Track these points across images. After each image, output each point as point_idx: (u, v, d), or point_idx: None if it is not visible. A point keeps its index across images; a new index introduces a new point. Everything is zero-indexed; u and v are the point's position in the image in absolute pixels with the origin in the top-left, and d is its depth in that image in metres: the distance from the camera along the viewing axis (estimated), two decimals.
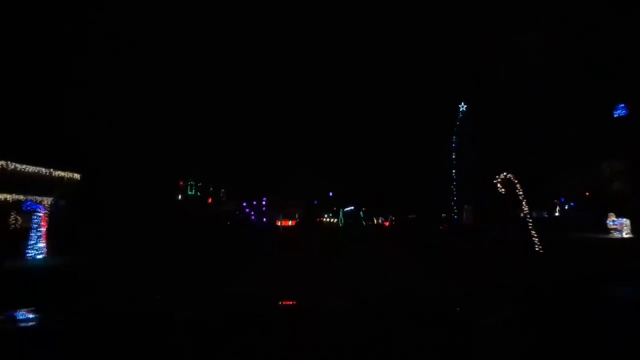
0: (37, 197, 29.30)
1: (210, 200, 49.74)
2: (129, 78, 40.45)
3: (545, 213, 47.84)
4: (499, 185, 17.84)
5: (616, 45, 38.09)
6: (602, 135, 37.95)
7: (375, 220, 72.16)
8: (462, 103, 54.60)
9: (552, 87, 41.29)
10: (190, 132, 47.53)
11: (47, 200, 29.25)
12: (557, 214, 47.15)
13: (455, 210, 53.73)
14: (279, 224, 56.67)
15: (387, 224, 69.13)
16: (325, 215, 67.95)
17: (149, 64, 48.35)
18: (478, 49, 53.77)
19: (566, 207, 39.12)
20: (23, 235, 16.91)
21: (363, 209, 68.65)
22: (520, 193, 17.55)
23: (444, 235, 35.15)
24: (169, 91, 48.21)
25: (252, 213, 52.02)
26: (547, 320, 2.39)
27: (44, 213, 17.04)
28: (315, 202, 64.28)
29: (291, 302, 3.39)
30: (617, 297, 3.04)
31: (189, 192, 46.22)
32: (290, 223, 59.06)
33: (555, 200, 41.13)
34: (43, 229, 16.44)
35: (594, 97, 38.77)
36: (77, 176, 36.47)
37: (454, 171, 55.01)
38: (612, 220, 25.13)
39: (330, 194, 65.75)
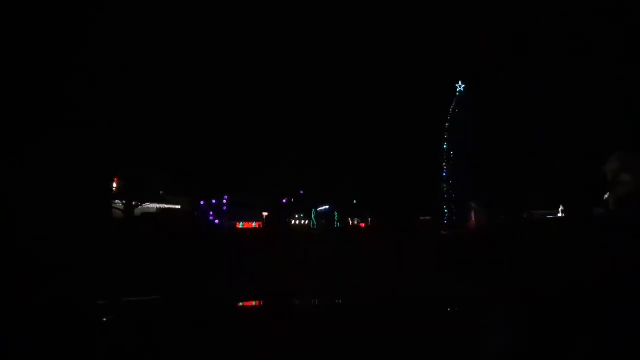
0: None
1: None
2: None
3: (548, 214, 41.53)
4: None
5: None
6: None
7: (350, 221, 67.57)
8: (460, 82, 46.34)
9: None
10: (136, 115, 38.73)
11: None
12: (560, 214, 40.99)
13: (455, 211, 46.22)
14: (240, 225, 52.55)
15: (362, 225, 65.93)
16: (296, 216, 61.93)
17: (77, 25, 38.35)
18: (467, 35, 46.06)
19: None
20: None
21: (338, 209, 63.66)
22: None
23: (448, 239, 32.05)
24: (102, 58, 38.33)
25: (212, 213, 43.55)
26: (546, 320, 2.32)
27: None
28: (284, 201, 58.08)
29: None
30: (617, 299, 2.62)
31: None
32: (254, 225, 55.49)
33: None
34: None
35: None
36: None
37: (452, 162, 47.16)
38: None
39: (302, 192, 59.29)
